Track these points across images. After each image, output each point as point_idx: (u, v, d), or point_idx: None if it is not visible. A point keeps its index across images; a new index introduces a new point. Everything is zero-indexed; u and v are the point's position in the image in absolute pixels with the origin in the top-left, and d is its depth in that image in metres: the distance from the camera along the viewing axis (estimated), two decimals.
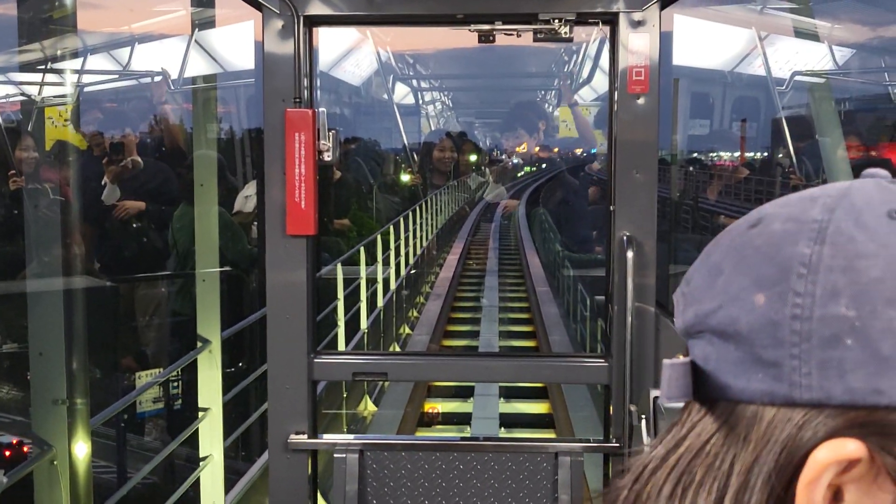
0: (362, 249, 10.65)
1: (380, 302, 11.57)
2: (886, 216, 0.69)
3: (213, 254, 5.91)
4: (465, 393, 11.17)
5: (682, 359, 0.75)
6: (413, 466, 3.51)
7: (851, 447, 0.66)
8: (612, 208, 3.47)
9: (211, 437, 5.75)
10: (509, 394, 11.19)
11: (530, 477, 3.48)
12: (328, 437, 3.74)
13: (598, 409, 9.17)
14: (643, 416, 2.90)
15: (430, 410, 10.80)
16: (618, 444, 3.41)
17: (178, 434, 5.81)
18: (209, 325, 5.83)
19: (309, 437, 3.53)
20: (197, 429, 5.70)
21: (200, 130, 6.08)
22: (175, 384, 6.73)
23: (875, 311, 0.66)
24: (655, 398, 2.87)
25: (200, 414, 5.71)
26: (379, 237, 11.88)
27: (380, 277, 11.62)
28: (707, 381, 0.73)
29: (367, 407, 9.96)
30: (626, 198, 3.44)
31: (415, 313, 14.92)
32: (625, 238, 3.37)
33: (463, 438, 4.61)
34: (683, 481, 0.73)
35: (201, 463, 5.67)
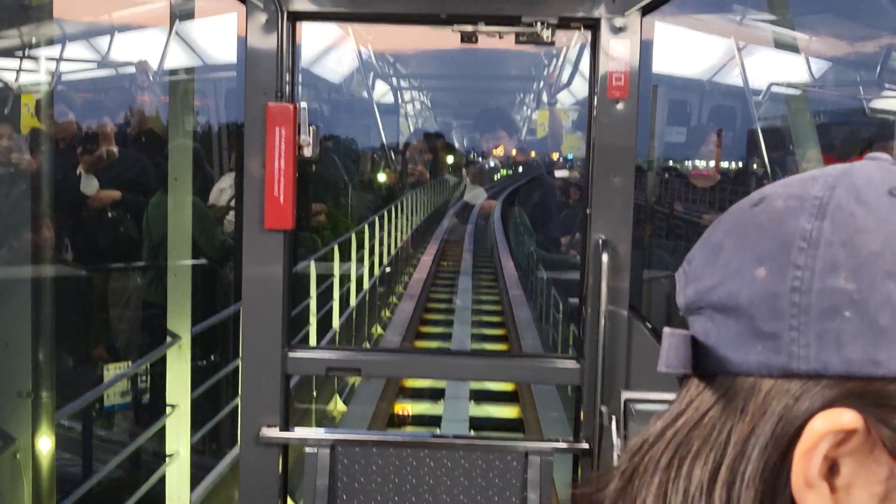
0: (336, 248, 10.59)
1: (352, 301, 11.52)
2: (887, 193, 0.71)
3: (186, 247, 5.89)
4: (435, 395, 11.14)
5: (680, 330, 0.76)
6: (384, 462, 3.52)
7: (847, 417, 0.67)
8: (588, 211, 3.50)
9: (178, 433, 5.70)
10: (480, 397, 11.14)
11: (500, 476, 3.50)
12: (300, 432, 3.75)
13: (569, 412, 9.20)
14: (613, 417, 2.93)
15: (401, 411, 10.77)
16: (588, 446, 3.45)
17: (146, 428, 5.78)
18: (179, 320, 5.78)
19: (280, 431, 3.54)
20: (164, 425, 5.67)
21: (177, 122, 6.02)
22: (143, 378, 6.69)
23: (874, 284, 0.67)
24: (626, 400, 2.91)
25: (168, 410, 5.67)
26: (353, 236, 11.82)
27: (353, 276, 11.57)
28: (706, 356, 0.75)
29: (337, 406, 9.93)
30: (602, 201, 3.47)
31: (387, 313, 14.90)
32: (600, 241, 3.41)
33: (435, 436, 4.63)
34: (681, 452, 0.74)
35: (167, 459, 5.63)
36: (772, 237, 0.72)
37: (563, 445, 3.64)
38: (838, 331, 0.67)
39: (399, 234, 17.55)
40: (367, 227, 13.02)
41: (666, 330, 0.77)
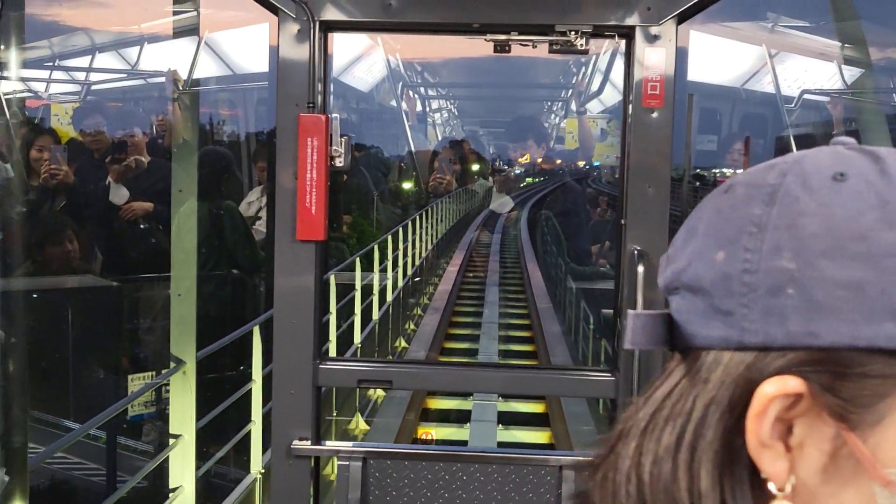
0: (358, 260, 10.39)
1: (375, 315, 11.31)
2: (830, 179, 0.76)
3: (190, 266, 5.46)
4: (461, 418, 10.92)
5: (647, 311, 0.85)
6: (416, 476, 3.49)
7: (792, 383, 0.74)
8: (623, 222, 3.46)
9: (182, 466, 5.33)
10: (508, 420, 10.88)
11: (534, 490, 3.46)
12: (331, 444, 3.73)
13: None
14: None
15: (424, 436, 10.59)
16: None
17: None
18: (184, 344, 5.37)
19: (312, 444, 3.51)
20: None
21: (180, 133, 5.65)
22: (167, 387, 6.66)
23: (811, 263, 0.74)
24: None
25: (171, 441, 5.30)
26: (376, 248, 11.62)
27: (376, 289, 11.36)
28: (680, 332, 0.82)
29: (359, 425, 9.81)
30: (637, 212, 3.43)
31: (412, 326, 14.70)
32: (635, 252, 3.36)
33: (467, 449, 4.59)
34: (655, 419, 0.82)
35: (171, 495, 5.25)
36: (730, 223, 0.79)
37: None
38: (782, 307, 0.74)
39: (424, 244, 17.30)
40: (389, 237, 12.84)
41: (630, 312, 0.86)
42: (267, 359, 6.39)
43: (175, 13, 5.52)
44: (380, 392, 10.54)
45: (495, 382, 3.95)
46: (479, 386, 4.46)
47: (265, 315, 6.59)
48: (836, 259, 0.73)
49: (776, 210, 0.77)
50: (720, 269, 0.78)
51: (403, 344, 13.55)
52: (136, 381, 6.58)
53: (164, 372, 5.53)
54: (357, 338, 10.26)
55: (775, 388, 0.74)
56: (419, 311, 15.71)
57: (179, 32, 5.96)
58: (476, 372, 4.05)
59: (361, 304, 10.40)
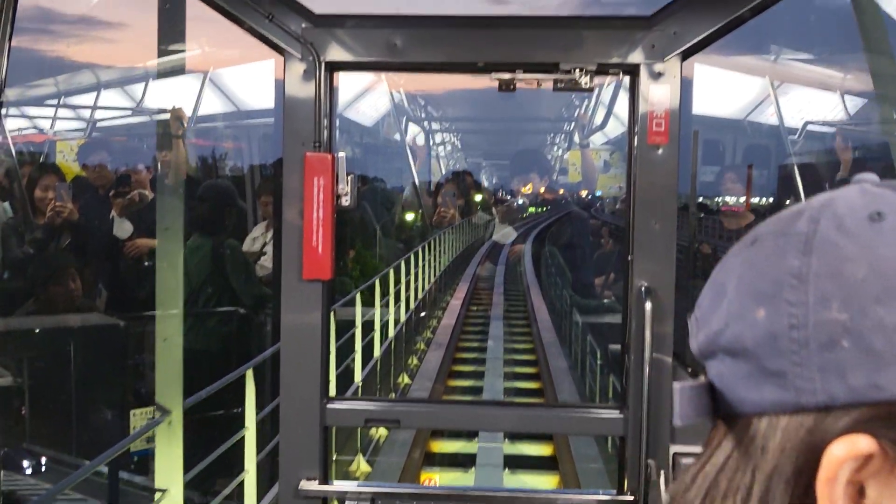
0: (359, 295, 10.27)
1: (377, 351, 11.12)
2: (867, 219, 0.72)
3: (176, 307, 5.17)
4: (466, 462, 10.71)
5: (691, 381, 0.79)
6: None
7: (863, 443, 0.69)
8: (629, 258, 3.45)
9: None
10: (514, 464, 10.64)
11: None
12: (339, 485, 3.70)
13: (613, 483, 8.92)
14: (661, 471, 2.86)
15: (427, 482, 10.39)
16: (633, 498, 3.36)
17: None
18: (170, 393, 5.05)
19: (320, 484, 3.49)
20: None
21: (167, 169, 5.48)
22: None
23: (864, 311, 0.69)
24: (675, 454, 2.84)
25: (157, 496, 4.98)
26: (377, 282, 11.43)
27: (377, 325, 11.12)
28: (725, 399, 0.77)
29: (360, 466, 9.67)
30: (644, 247, 3.42)
31: (415, 361, 14.48)
32: (643, 288, 3.35)
33: (475, 488, 4.56)
34: (711, 495, 0.77)
35: None
36: (765, 277, 0.74)
37: (607, 497, 3.56)
38: (838, 361, 0.69)
39: (427, 277, 17.02)
40: (391, 271, 12.63)
41: (675, 385, 0.80)
42: (261, 402, 6.31)
43: (177, 52, 5.50)
44: (382, 431, 10.43)
45: (503, 420, 3.93)
46: (487, 424, 4.45)
47: (258, 358, 6.55)
48: (890, 303, 0.69)
49: (815, 259, 0.72)
50: (763, 328, 0.73)
51: (406, 380, 13.42)
52: (137, 417, 6.52)
53: (148, 421, 5.28)
54: (358, 376, 10.12)
55: (845, 451, 0.69)
56: (422, 346, 15.52)
57: (170, 72, 5.82)
58: (484, 410, 4.02)
59: (362, 340, 10.19)
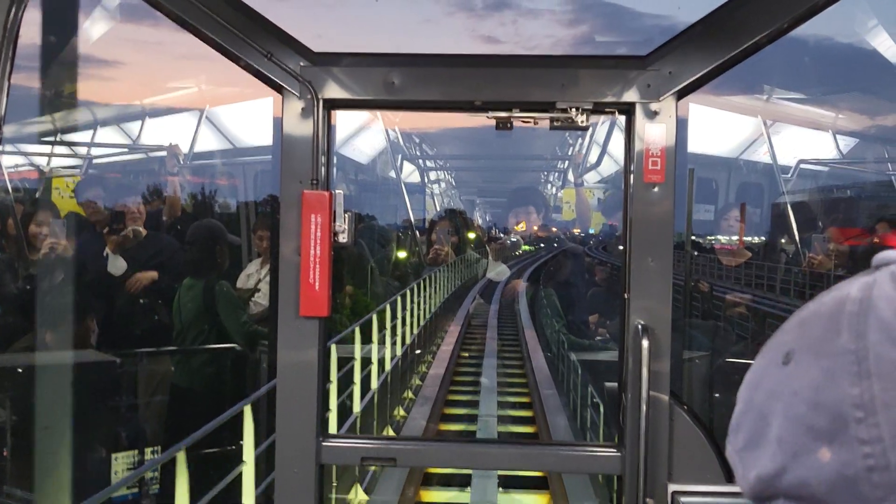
0: (357, 331, 10.17)
1: (356, 407, 10.73)
2: None
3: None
4: (462, 481, 10.59)
5: None
6: None
7: None
8: (626, 296, 3.46)
9: None
10: (508, 484, 10.47)
11: None
12: None
13: None
14: None
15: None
16: None
17: None
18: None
19: None
20: None
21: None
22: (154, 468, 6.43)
23: None
24: (674, 492, 2.82)
25: None
26: (374, 318, 11.20)
27: (357, 376, 10.70)
28: None
29: (358, 496, 9.57)
30: (640, 285, 3.43)
31: (401, 412, 13.84)
32: (639, 326, 3.35)
33: None
34: None
35: None
36: (819, 409, 0.64)
37: None
38: None
39: (416, 319, 16.29)
40: (375, 316, 12.15)
41: None
42: (259, 438, 6.27)
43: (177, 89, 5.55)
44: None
45: (499, 459, 3.91)
46: (483, 463, 4.42)
47: (256, 394, 6.51)
48: None
49: (877, 384, 0.62)
50: (834, 472, 0.63)
51: (402, 413, 13.27)
52: (120, 461, 6.41)
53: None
54: (357, 406, 10.07)
55: None
56: (410, 395, 14.92)
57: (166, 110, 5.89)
58: (480, 448, 4.00)
59: (338, 399, 9.90)
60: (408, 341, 14.72)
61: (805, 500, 0.65)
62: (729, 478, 3.34)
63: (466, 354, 19.00)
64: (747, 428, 0.71)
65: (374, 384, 11.21)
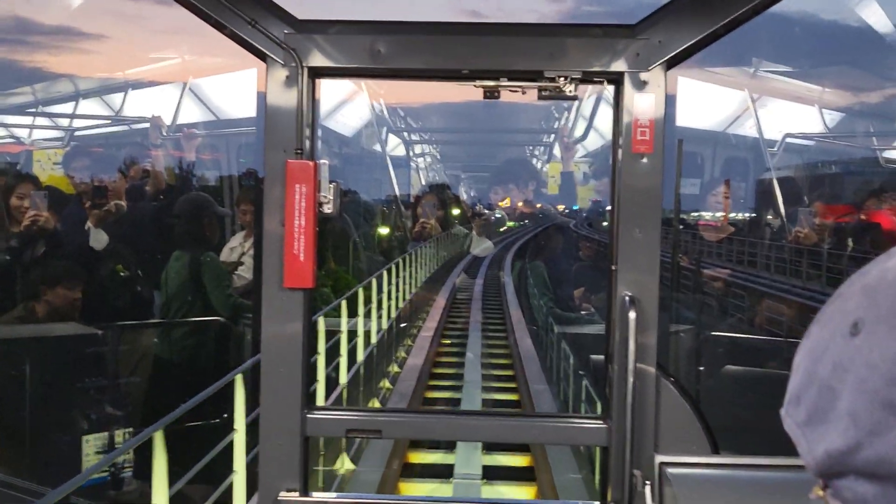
0: (344, 304, 10.20)
1: (342, 379, 10.70)
2: None
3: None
4: (445, 473, 10.58)
5: None
6: None
7: None
8: (613, 268, 3.43)
9: None
10: (493, 475, 10.51)
11: None
12: (318, 496, 3.65)
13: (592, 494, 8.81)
14: (647, 481, 2.83)
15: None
16: None
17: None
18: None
19: (300, 496, 3.44)
20: None
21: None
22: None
23: None
24: (661, 463, 2.81)
25: None
26: (344, 303, 11.04)
27: (344, 357, 10.67)
28: None
29: (345, 464, 9.64)
30: (628, 257, 3.40)
31: (387, 384, 13.83)
32: (626, 298, 3.33)
33: (456, 499, 4.51)
34: None
35: None
36: None
37: None
38: None
39: (403, 293, 16.28)
40: (361, 290, 12.09)
41: None
42: (251, 406, 6.25)
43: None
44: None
45: (485, 430, 3.89)
46: (469, 434, 4.41)
47: (249, 362, 6.49)
48: None
49: None
50: None
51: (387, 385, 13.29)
52: (91, 443, 6.32)
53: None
54: (343, 378, 10.10)
55: None
56: (396, 367, 14.93)
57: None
58: (465, 420, 3.98)
59: (325, 370, 9.90)
60: (393, 315, 14.72)
61: (882, 478, 0.61)
62: (714, 448, 3.34)
63: (449, 341, 18.80)
64: (810, 401, 0.67)
65: (361, 356, 11.23)
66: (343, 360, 10.10)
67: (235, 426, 6.04)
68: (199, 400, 5.60)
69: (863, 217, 9.20)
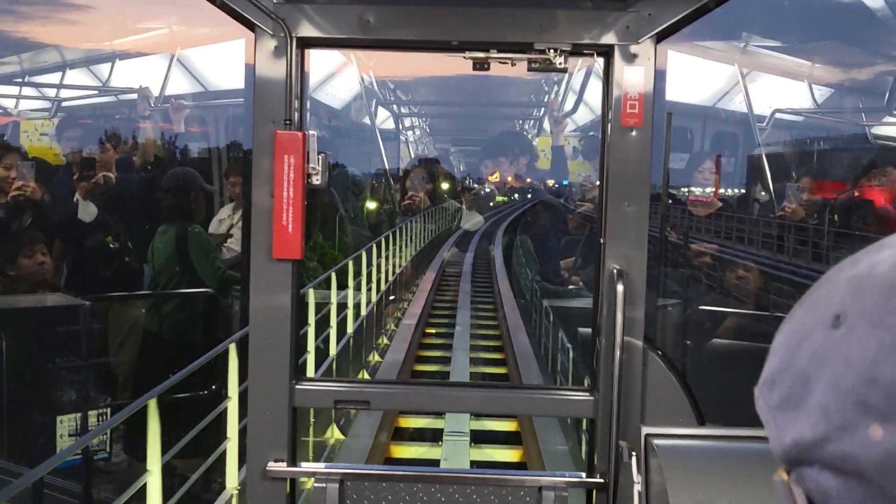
0: (333, 276, 10.26)
1: (332, 350, 10.74)
2: None
3: None
4: (435, 436, 10.71)
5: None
6: (393, 497, 3.44)
7: None
8: (602, 241, 3.44)
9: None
10: (481, 439, 10.62)
11: None
12: (307, 466, 3.67)
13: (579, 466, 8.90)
14: (633, 453, 2.85)
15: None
16: (603, 480, 3.37)
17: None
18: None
19: (288, 465, 3.46)
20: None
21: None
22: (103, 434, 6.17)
23: None
24: (647, 435, 2.83)
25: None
26: (333, 276, 11.04)
27: (334, 323, 10.70)
28: None
29: (335, 434, 9.71)
30: (616, 230, 3.41)
31: (376, 357, 13.88)
32: (615, 271, 3.34)
33: (445, 470, 4.54)
34: None
35: None
36: (873, 384, 0.60)
37: (576, 479, 3.56)
38: None
39: (392, 268, 16.23)
40: (350, 262, 12.09)
41: None
42: (243, 377, 6.28)
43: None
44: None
45: (473, 402, 3.91)
46: (457, 405, 4.43)
47: (241, 332, 6.50)
48: None
49: None
50: (886, 451, 0.60)
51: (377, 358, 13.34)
52: (65, 424, 6.23)
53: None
54: (333, 349, 10.15)
55: None
56: (385, 340, 14.95)
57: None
58: (453, 391, 4.00)
59: (315, 340, 9.93)
60: (383, 288, 14.73)
61: (847, 473, 0.62)
62: (701, 420, 3.37)
63: (437, 317, 18.80)
64: (785, 386, 0.67)
65: (350, 328, 11.27)
66: (333, 333, 10.16)
67: (229, 394, 6.06)
68: (193, 368, 5.64)
69: (853, 194, 9.23)
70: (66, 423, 6.11)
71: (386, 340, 14.61)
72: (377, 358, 13.36)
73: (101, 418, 6.38)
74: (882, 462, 0.60)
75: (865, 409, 0.60)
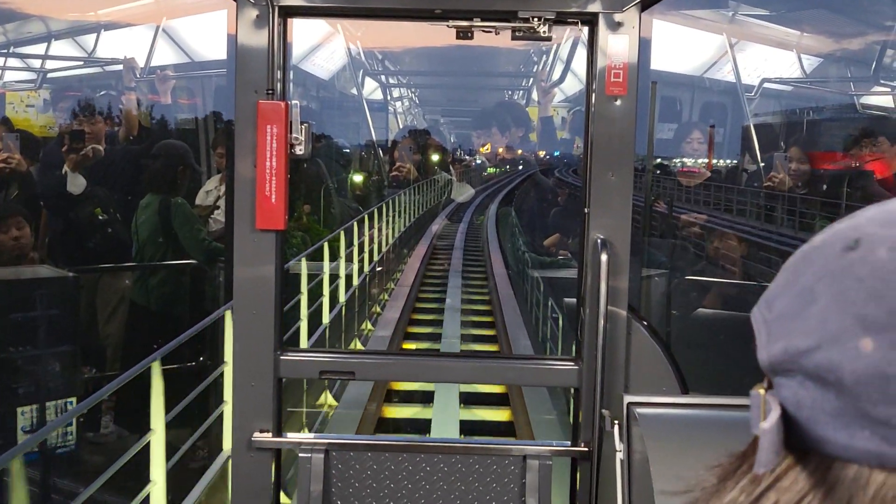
0: (326, 246, 10.37)
1: (325, 319, 10.82)
2: None
3: None
4: (425, 398, 10.91)
5: (773, 418, 0.64)
6: (379, 467, 3.46)
7: None
8: (586, 210, 3.44)
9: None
10: (470, 400, 10.84)
11: (497, 480, 3.44)
12: (293, 436, 3.68)
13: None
14: (616, 422, 2.87)
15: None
16: (587, 449, 3.38)
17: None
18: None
19: (273, 436, 3.47)
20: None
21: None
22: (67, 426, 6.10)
23: None
24: (629, 404, 2.85)
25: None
26: (326, 246, 11.03)
27: (326, 293, 10.76)
28: (798, 430, 0.64)
29: (328, 400, 9.82)
30: (600, 200, 3.41)
31: (368, 326, 13.96)
32: (599, 241, 3.34)
33: (430, 440, 4.56)
34: None
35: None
36: (878, 300, 0.60)
37: (561, 448, 3.58)
38: None
39: (379, 242, 16.16)
40: (342, 233, 12.08)
41: (763, 425, 0.65)
42: (215, 359, 6.35)
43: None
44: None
45: (459, 372, 3.92)
46: (443, 376, 4.44)
47: (231, 303, 6.50)
48: None
49: None
50: (870, 364, 0.59)
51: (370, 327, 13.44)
52: (27, 416, 6.11)
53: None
54: (325, 318, 10.21)
55: None
56: (378, 308, 15.03)
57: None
58: (439, 362, 4.01)
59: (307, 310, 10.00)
60: (375, 258, 14.79)
61: (827, 383, 0.61)
62: (684, 390, 3.38)
63: (434, 268, 18.97)
64: (786, 301, 0.66)
65: (342, 298, 11.32)
66: (326, 301, 10.26)
67: (225, 359, 6.09)
68: (193, 332, 5.70)
69: (846, 164, 9.22)
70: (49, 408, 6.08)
71: (378, 309, 14.69)
72: (370, 327, 13.47)
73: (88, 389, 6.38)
74: (863, 374, 0.59)
75: (863, 322, 0.60)
